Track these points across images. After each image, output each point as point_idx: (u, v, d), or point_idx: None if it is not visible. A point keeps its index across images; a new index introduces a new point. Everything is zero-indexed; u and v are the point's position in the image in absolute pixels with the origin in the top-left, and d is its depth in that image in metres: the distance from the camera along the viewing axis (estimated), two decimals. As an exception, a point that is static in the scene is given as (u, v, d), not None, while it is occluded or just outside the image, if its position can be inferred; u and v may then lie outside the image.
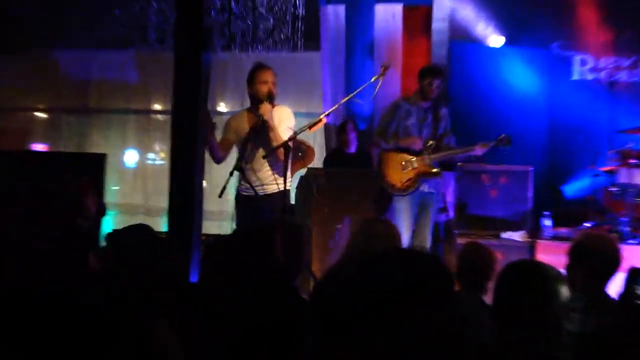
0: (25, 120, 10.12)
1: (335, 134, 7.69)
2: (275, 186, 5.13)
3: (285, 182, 5.01)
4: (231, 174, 5.09)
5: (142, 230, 3.35)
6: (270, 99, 5.25)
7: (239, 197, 5.40)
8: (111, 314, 1.32)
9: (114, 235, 3.31)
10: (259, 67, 5.40)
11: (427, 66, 6.40)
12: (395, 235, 3.52)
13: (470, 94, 7.78)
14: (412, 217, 6.02)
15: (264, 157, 5.14)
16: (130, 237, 3.28)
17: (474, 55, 7.95)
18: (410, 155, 6.04)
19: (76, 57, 9.61)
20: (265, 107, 5.19)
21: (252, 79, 5.40)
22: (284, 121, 5.25)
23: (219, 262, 2.99)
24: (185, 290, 3.15)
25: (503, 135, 6.04)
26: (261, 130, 5.17)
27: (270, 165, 5.22)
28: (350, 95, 5.35)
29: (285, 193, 5.08)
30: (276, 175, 5.18)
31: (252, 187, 5.19)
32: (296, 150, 6.04)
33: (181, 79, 4.50)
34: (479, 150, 6.01)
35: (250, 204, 5.22)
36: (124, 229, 3.37)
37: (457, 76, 7.81)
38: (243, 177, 5.30)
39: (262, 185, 5.23)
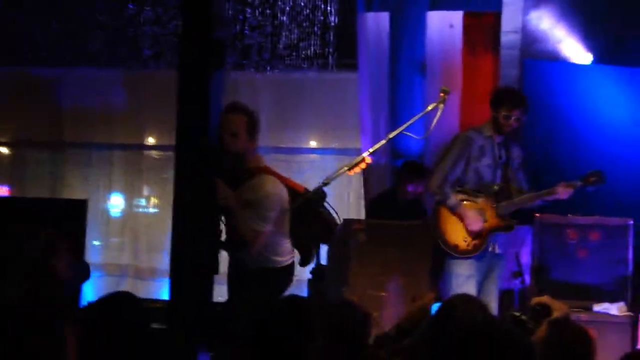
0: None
1: (397, 175, 7.70)
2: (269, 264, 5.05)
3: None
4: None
5: (120, 302, 3.33)
6: (234, 160, 4.94)
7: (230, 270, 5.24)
8: None
9: (85, 311, 3.30)
10: (224, 110, 4.96)
11: (502, 91, 6.28)
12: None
13: (549, 124, 7.76)
14: (476, 286, 5.91)
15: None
16: (103, 314, 3.27)
17: (554, 76, 7.96)
18: (478, 205, 5.98)
19: (47, 77, 9.76)
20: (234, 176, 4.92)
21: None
22: (254, 205, 4.90)
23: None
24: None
25: (592, 172, 5.97)
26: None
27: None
28: (401, 128, 5.29)
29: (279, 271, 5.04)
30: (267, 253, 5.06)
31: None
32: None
33: (187, 105, 4.55)
34: (562, 193, 5.92)
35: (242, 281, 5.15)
36: (97, 301, 3.36)
37: (532, 102, 7.80)
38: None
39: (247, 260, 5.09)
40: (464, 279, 5.90)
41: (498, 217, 5.94)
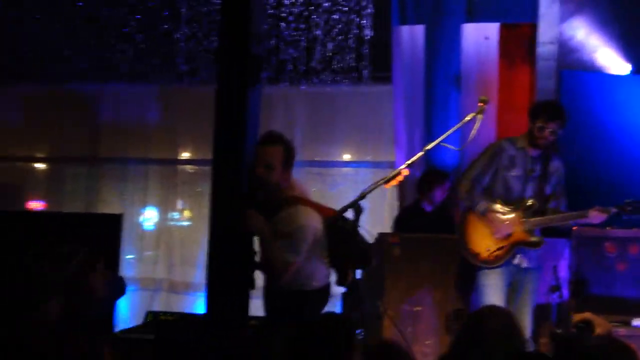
0: (19, 171, 10.39)
1: (418, 185, 7.69)
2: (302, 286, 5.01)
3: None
4: None
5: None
6: (268, 190, 4.88)
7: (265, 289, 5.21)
8: None
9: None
10: (259, 141, 4.96)
11: (541, 103, 6.23)
12: (515, 334, 3.42)
13: (587, 135, 7.73)
14: (502, 296, 5.79)
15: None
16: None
17: (592, 87, 7.92)
18: (504, 216, 5.89)
19: (82, 93, 9.88)
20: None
21: None
22: (287, 237, 4.86)
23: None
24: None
25: (630, 201, 5.79)
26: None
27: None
28: (439, 139, 5.19)
29: (314, 292, 5.00)
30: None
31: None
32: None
33: (224, 120, 4.60)
34: (594, 218, 5.76)
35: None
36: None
37: (569, 113, 7.77)
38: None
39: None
40: (488, 289, 5.78)
41: (525, 232, 5.83)
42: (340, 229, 4.89)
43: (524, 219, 5.83)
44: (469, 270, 5.98)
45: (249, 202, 4.78)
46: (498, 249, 5.82)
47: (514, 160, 5.92)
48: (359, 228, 4.75)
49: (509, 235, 5.82)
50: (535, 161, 5.93)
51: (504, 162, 5.92)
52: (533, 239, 5.85)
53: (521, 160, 5.92)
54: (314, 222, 4.95)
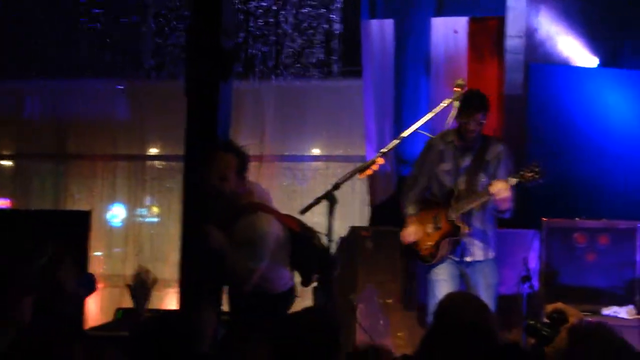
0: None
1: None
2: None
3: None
4: None
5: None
6: (224, 200, 4.89)
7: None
8: None
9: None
10: (210, 151, 4.97)
11: (466, 94, 5.58)
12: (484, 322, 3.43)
13: (555, 128, 7.80)
14: (452, 289, 5.54)
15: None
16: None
17: (560, 80, 7.98)
18: (435, 211, 5.77)
19: (49, 89, 9.83)
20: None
21: None
22: (248, 244, 4.87)
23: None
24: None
25: (529, 166, 5.44)
26: None
27: None
28: (415, 126, 5.04)
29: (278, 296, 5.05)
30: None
31: None
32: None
33: (196, 116, 4.61)
34: (499, 193, 5.39)
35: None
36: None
37: (537, 106, 7.86)
38: None
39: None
40: (437, 284, 5.68)
41: (448, 223, 5.66)
42: (301, 235, 4.95)
43: (449, 210, 5.67)
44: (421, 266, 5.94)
45: (207, 211, 4.78)
46: (433, 246, 5.71)
47: (443, 155, 5.77)
48: (319, 235, 4.76)
49: (438, 230, 5.71)
50: (464, 152, 5.74)
51: (434, 157, 5.80)
52: (458, 226, 5.63)
53: (449, 153, 5.76)
54: (274, 229, 4.96)
